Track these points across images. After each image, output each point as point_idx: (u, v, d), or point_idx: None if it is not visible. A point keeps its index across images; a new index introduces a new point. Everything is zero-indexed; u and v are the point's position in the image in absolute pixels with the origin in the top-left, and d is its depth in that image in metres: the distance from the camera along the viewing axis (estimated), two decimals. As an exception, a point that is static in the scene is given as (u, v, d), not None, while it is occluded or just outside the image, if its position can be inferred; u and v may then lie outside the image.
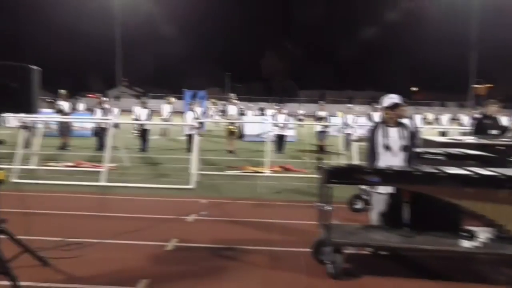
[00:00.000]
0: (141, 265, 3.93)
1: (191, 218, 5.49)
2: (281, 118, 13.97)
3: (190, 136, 11.43)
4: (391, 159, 4.27)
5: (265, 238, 4.77)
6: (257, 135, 15.86)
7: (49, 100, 14.35)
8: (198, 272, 3.80)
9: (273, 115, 16.01)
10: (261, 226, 5.24)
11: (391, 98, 4.36)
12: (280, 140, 13.17)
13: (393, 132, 4.35)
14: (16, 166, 7.80)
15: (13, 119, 11.84)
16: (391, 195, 4.17)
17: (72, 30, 59.26)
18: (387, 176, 3.66)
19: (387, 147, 4.30)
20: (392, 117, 4.37)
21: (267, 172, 9.06)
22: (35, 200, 6.11)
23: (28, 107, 3.42)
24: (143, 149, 12.64)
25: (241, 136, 16.70)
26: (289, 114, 16.67)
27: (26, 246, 3.60)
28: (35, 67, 3.42)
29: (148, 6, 59.31)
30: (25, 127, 9.66)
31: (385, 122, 4.42)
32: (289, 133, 14.46)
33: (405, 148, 4.30)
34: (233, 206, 6.28)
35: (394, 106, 4.33)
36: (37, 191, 6.77)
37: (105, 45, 55.67)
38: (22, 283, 3.24)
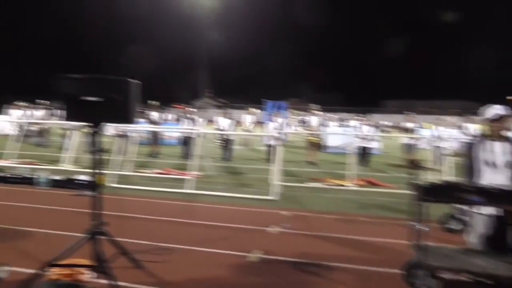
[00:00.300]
0: (226, 274, 3.97)
1: (273, 229, 5.47)
2: (365, 129, 13.49)
3: (270, 146, 11.51)
4: (495, 176, 3.85)
5: (351, 255, 4.58)
6: (338, 147, 15.52)
7: (140, 110, 15.38)
8: (283, 287, 3.74)
9: (356, 126, 15.53)
10: (347, 242, 5.05)
11: (496, 109, 3.96)
12: (364, 152, 12.71)
13: (498, 146, 3.93)
14: (113, 172, 8.45)
15: (110, 128, 12.85)
16: (496, 217, 3.76)
17: (159, 43, 63.65)
18: (492, 195, 3.30)
19: (491, 164, 3.90)
20: (496, 130, 3.96)
21: (350, 185, 8.77)
22: (128, 204, 6.56)
23: (127, 118, 3.65)
24: (227, 158, 12.98)
25: (322, 147, 16.43)
26: (374, 125, 16.02)
27: (123, 248, 3.83)
28: (134, 81, 3.63)
29: (230, 19, 61.82)
30: (120, 135, 10.47)
31: (487, 136, 4.02)
32: (373, 145, 13.90)
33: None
34: (316, 220, 6.15)
35: (499, 118, 3.92)
36: (130, 195, 7.26)
37: (189, 58, 58.98)
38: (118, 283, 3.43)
